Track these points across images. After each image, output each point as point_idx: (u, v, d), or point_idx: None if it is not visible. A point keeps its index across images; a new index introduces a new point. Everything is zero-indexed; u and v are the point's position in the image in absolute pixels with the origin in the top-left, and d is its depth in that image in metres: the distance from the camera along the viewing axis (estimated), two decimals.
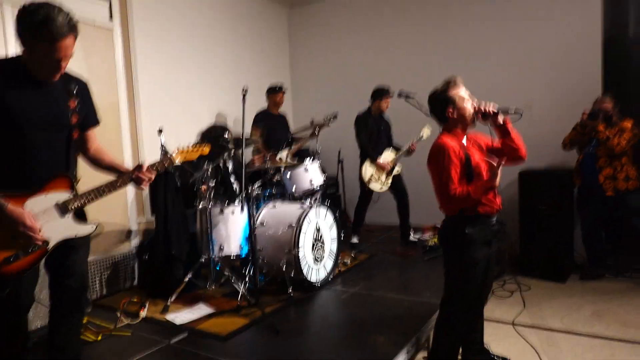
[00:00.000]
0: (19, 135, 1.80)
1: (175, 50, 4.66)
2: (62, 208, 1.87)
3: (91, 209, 3.70)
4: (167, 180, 3.57)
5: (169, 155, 2.22)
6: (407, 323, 2.85)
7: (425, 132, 4.59)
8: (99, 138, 2.17)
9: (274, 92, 5.01)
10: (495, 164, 2.12)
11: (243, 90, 3.25)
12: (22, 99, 1.79)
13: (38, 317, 2.81)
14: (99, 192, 1.95)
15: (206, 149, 2.38)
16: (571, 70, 4.62)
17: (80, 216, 1.98)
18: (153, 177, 2.06)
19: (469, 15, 5.17)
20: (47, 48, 1.72)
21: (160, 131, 3.62)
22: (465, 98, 2.24)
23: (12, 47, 3.35)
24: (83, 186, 2.00)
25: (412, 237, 4.88)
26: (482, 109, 2.21)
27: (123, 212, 4.09)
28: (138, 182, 2.02)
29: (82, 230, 1.95)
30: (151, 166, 2.09)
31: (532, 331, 3.15)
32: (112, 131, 3.99)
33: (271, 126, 5.00)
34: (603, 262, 4.16)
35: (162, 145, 3.56)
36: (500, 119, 2.21)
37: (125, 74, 4.16)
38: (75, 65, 3.69)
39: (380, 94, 4.74)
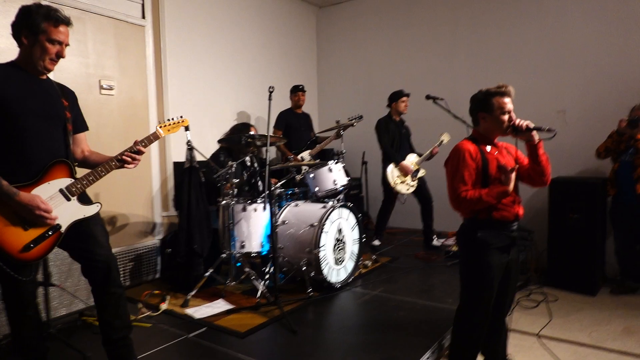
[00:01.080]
0: (19, 126, 1.91)
1: (204, 49, 4.73)
2: (67, 192, 1.99)
3: (118, 202, 3.80)
4: (192, 176, 3.61)
5: (155, 131, 2.30)
6: (429, 329, 2.79)
7: (445, 137, 4.62)
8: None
9: (292, 92, 5.11)
10: (508, 169, 2.06)
11: (269, 89, 3.25)
12: (20, 92, 1.93)
13: (62, 304, 2.88)
14: (97, 173, 2.06)
15: (186, 122, 2.46)
16: (608, 77, 4.44)
17: (84, 198, 2.08)
18: (140, 152, 2.15)
19: (501, 18, 5.05)
20: (53, 32, 1.93)
21: (186, 128, 3.66)
22: (503, 109, 2.14)
23: None
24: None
25: (435, 242, 4.80)
26: (516, 123, 2.13)
27: (148, 205, 4.16)
28: (123, 161, 2.12)
29: (89, 210, 2.06)
30: (139, 142, 2.17)
31: (558, 344, 3.03)
32: (140, 126, 4.06)
33: (294, 125, 5.02)
34: (636, 276, 3.98)
35: (188, 141, 3.61)
36: (536, 137, 2.12)
37: (155, 71, 4.24)
38: (108, 61, 3.82)
39: (395, 96, 4.74)
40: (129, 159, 2.11)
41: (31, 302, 2.04)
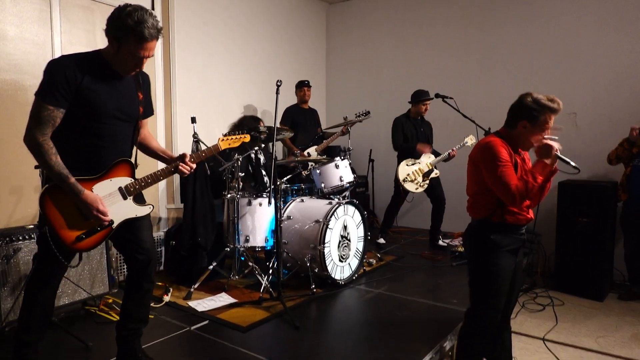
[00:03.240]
0: (100, 126, 1.95)
1: (213, 43, 4.71)
2: (125, 192, 2.05)
3: None
4: (198, 169, 3.58)
5: (216, 143, 2.37)
6: (432, 329, 2.76)
7: (470, 140, 4.51)
8: None
9: (298, 88, 5.09)
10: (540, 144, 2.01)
11: (277, 82, 3.23)
12: (104, 92, 1.94)
13: (65, 294, 2.87)
14: (155, 177, 2.12)
15: (247, 137, 2.52)
16: (621, 80, 4.37)
17: (139, 198, 2.14)
18: (194, 166, 2.20)
19: (513, 18, 4.98)
20: (136, 47, 1.88)
21: (193, 120, 3.66)
22: (546, 127, 2.05)
23: (57, 33, 3.45)
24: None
25: (441, 241, 4.76)
26: (547, 140, 2.01)
27: (154, 197, 4.16)
28: (180, 172, 2.18)
29: (141, 211, 2.12)
30: (199, 153, 2.24)
31: (564, 349, 2.99)
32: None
33: (300, 121, 4.99)
34: None
35: (194, 134, 3.60)
36: (556, 163, 2.03)
37: (163, 64, 4.23)
38: None
39: (417, 97, 4.65)
40: (184, 171, 2.16)
41: (56, 285, 2.11)
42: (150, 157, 2.30)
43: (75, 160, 1.91)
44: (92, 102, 1.90)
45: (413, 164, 4.55)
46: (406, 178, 4.53)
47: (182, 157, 2.16)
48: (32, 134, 1.82)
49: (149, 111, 2.25)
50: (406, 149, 4.57)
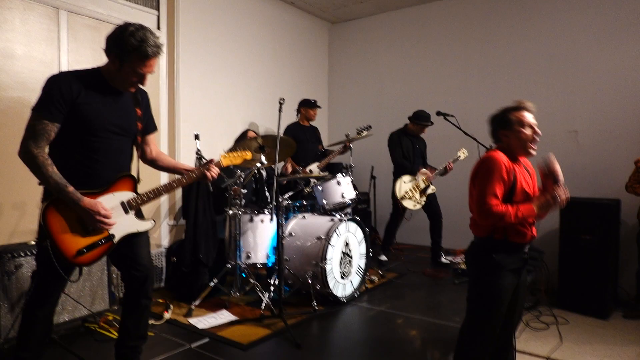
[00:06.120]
0: (96, 140, 1.98)
1: (217, 60, 4.78)
2: (127, 206, 2.05)
3: None
4: (200, 185, 3.61)
5: (217, 160, 2.40)
6: (435, 347, 2.73)
7: (462, 154, 4.54)
8: None
9: (310, 106, 5.01)
10: (552, 197, 2.04)
11: (280, 100, 3.27)
12: (99, 106, 1.97)
13: (66, 310, 2.86)
14: (158, 192, 2.13)
15: (249, 155, 2.52)
16: (622, 97, 4.38)
17: (140, 213, 2.15)
18: (217, 170, 2.28)
19: (514, 35, 5.04)
20: (139, 65, 1.93)
21: (196, 137, 3.68)
22: (522, 122, 2.08)
23: (64, 52, 3.52)
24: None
25: (444, 259, 4.73)
26: (554, 171, 2.05)
27: (155, 214, 4.16)
28: (206, 177, 2.23)
29: (142, 226, 2.13)
30: (200, 166, 2.27)
31: None
32: None
33: (300, 138, 5.01)
34: None
35: (197, 151, 3.62)
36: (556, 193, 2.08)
37: (167, 81, 4.29)
38: None
39: (418, 120, 4.69)
40: (209, 177, 2.24)
41: (55, 302, 2.10)
42: (165, 172, 2.33)
43: (71, 175, 1.91)
44: (87, 116, 1.92)
45: (410, 181, 4.58)
46: (404, 195, 4.54)
47: (211, 162, 2.24)
48: (26, 146, 1.85)
49: (151, 127, 2.26)
50: (407, 168, 4.59)
